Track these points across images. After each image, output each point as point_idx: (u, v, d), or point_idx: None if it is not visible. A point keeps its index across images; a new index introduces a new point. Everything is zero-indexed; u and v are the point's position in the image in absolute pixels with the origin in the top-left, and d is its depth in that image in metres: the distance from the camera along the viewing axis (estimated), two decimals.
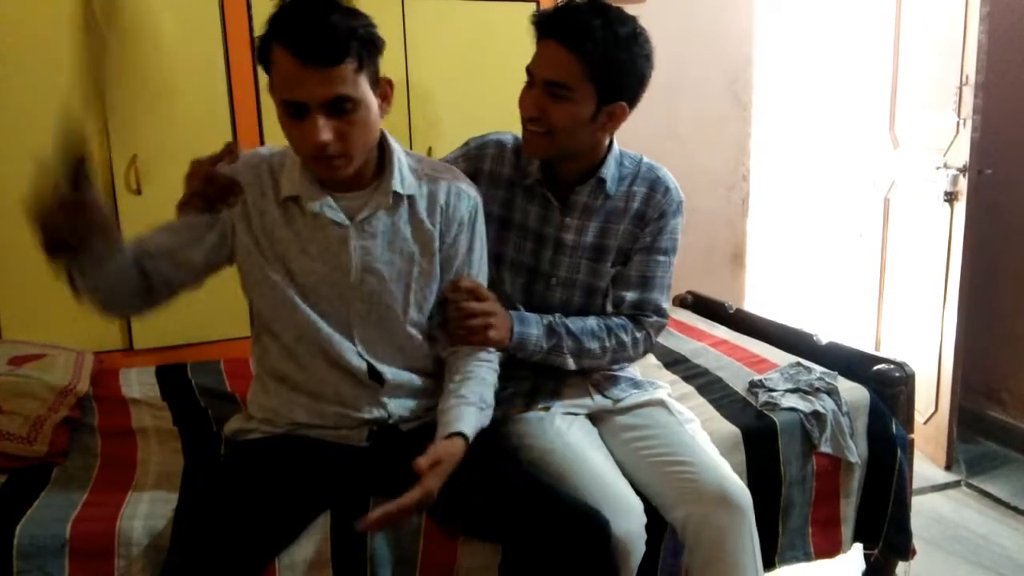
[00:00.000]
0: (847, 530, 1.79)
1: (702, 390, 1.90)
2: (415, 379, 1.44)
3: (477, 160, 1.59)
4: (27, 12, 2.04)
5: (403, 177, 1.37)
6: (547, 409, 1.56)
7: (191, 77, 2.26)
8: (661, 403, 1.60)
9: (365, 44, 1.21)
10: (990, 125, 2.54)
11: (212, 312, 2.35)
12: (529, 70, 1.44)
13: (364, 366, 1.38)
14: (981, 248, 2.70)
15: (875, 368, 1.90)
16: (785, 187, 3.39)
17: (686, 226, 1.61)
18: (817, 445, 1.72)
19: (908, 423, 1.89)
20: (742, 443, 1.66)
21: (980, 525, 2.37)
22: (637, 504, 1.40)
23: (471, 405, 1.35)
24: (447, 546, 1.40)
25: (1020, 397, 2.87)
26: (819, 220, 3.45)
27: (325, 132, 1.20)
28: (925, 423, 2.73)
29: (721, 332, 2.35)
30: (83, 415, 1.73)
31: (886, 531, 1.80)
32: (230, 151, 1.35)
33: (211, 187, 1.32)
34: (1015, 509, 2.44)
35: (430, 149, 2.49)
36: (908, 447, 1.85)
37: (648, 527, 1.39)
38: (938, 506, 2.47)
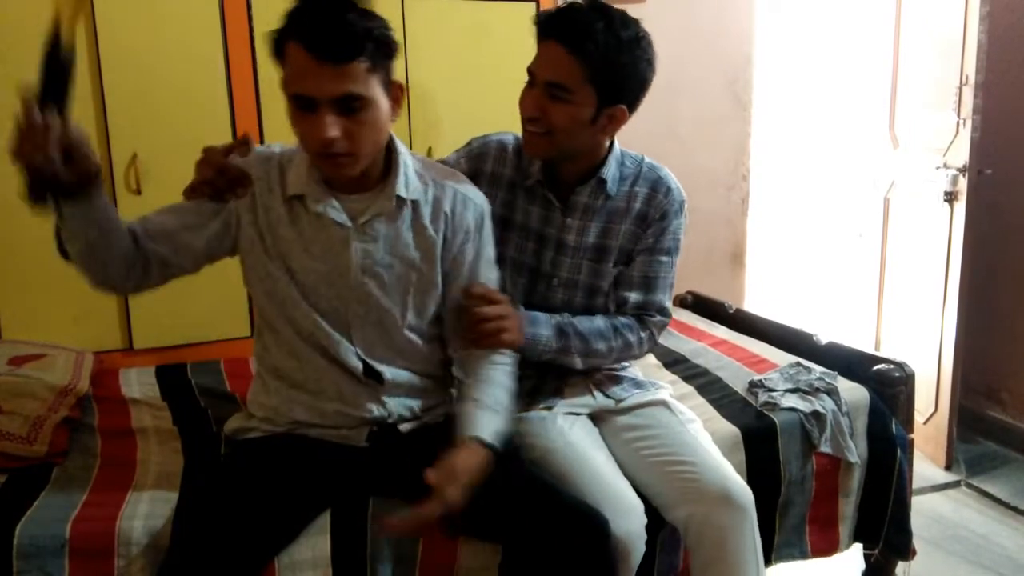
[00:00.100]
0: (845, 529, 1.79)
1: (702, 390, 1.90)
2: (415, 379, 1.44)
3: (478, 161, 1.59)
4: (27, 12, 2.04)
5: (408, 182, 1.36)
6: (549, 409, 1.56)
7: (191, 77, 2.26)
8: (663, 403, 1.60)
9: (380, 45, 1.21)
10: (990, 125, 2.54)
11: (212, 312, 2.35)
12: (530, 70, 1.44)
13: (360, 367, 1.38)
14: (981, 248, 2.70)
15: (875, 368, 1.90)
16: (785, 187, 3.39)
17: (686, 226, 1.61)
18: (817, 445, 1.72)
19: (908, 423, 1.90)
20: (742, 443, 1.66)
21: (980, 525, 2.37)
22: (637, 504, 1.40)
23: (486, 408, 1.35)
24: (447, 546, 1.40)
25: (1020, 397, 2.88)
26: (819, 220, 3.45)
27: (333, 129, 1.20)
28: (925, 423, 2.73)
29: (721, 332, 2.35)
30: (83, 415, 1.73)
31: (886, 531, 1.81)
32: (245, 143, 1.34)
33: (221, 178, 1.32)
34: (1015, 509, 2.44)
35: (430, 149, 2.50)
36: (908, 447, 1.85)
37: (647, 526, 1.39)
38: (938, 506, 2.47)
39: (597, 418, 1.60)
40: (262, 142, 2.32)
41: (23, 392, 1.63)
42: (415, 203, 1.38)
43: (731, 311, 2.52)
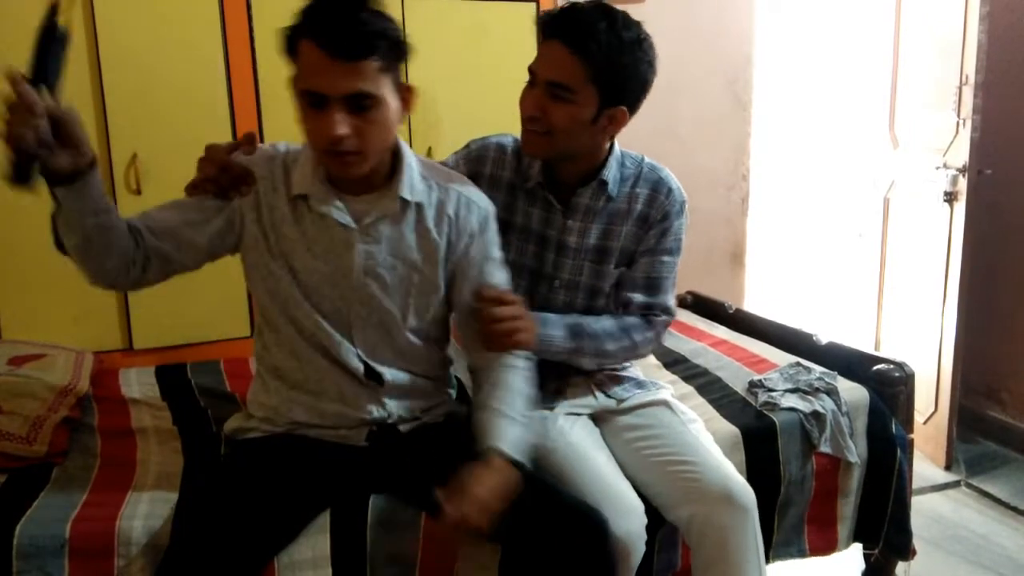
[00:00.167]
0: (844, 529, 1.79)
1: (702, 390, 1.90)
2: (415, 380, 1.44)
3: (478, 163, 1.58)
4: (27, 12, 2.04)
5: (413, 184, 1.36)
6: (551, 409, 1.56)
7: (191, 77, 2.26)
8: (665, 403, 1.60)
9: (392, 46, 1.22)
10: (990, 125, 2.54)
11: (212, 312, 2.35)
12: (531, 70, 1.44)
13: (361, 368, 1.38)
14: (981, 248, 2.70)
15: (875, 368, 1.90)
16: (785, 187, 3.38)
17: (686, 226, 1.61)
18: (817, 445, 1.72)
19: (908, 423, 1.90)
20: (742, 443, 1.66)
21: (980, 525, 2.37)
22: (638, 504, 1.40)
23: (504, 417, 1.34)
24: (447, 546, 1.40)
25: (1020, 397, 2.87)
26: (819, 220, 3.45)
27: (342, 126, 1.20)
28: (925, 423, 2.73)
29: (721, 332, 2.35)
30: (83, 415, 1.73)
31: (886, 531, 1.81)
32: (249, 141, 1.34)
33: (224, 175, 1.32)
34: (1015, 509, 2.44)
35: (430, 149, 2.50)
36: (908, 447, 1.85)
37: (646, 525, 1.39)
38: (938, 506, 2.47)
39: (598, 418, 1.60)
40: (262, 142, 2.32)
41: (23, 392, 1.63)
42: (419, 206, 1.37)
43: (731, 311, 2.52)
